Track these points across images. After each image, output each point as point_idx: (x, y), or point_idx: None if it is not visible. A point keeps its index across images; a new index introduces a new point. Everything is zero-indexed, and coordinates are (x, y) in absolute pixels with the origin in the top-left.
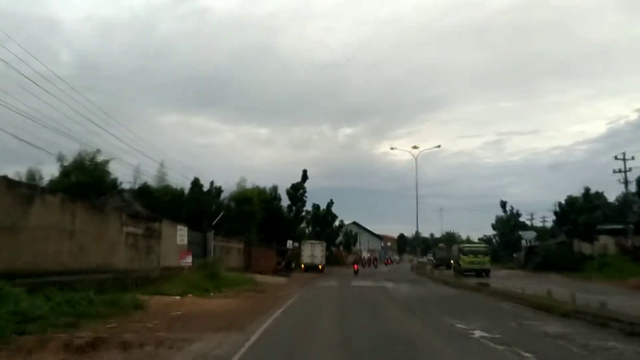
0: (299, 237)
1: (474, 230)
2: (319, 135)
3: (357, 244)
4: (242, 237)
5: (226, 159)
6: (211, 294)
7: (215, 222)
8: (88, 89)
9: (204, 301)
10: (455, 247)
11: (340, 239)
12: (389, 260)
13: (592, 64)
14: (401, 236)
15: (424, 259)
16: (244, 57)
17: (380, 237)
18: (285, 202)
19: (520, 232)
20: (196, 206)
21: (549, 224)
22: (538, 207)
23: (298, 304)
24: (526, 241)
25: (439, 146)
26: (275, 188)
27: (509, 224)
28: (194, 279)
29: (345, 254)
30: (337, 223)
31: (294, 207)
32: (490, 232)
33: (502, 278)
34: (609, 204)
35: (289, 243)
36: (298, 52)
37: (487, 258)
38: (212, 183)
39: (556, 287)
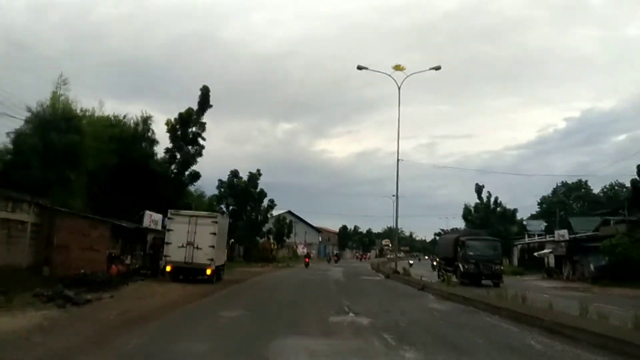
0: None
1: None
2: (257, 131)
3: (293, 236)
4: (34, 199)
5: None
6: None
7: None
8: (16, 69)
9: None
10: None
11: (270, 226)
12: (365, 256)
13: (527, 72)
14: (343, 229)
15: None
16: (185, 45)
17: (318, 230)
18: (165, 146)
19: (524, 222)
20: None
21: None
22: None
23: None
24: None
25: (438, 67)
26: (145, 120)
27: (494, 213)
28: None
29: (277, 247)
30: (266, 203)
31: (178, 155)
32: (443, 226)
33: None
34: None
35: (148, 217)
36: (241, 42)
37: None
38: None
39: None
